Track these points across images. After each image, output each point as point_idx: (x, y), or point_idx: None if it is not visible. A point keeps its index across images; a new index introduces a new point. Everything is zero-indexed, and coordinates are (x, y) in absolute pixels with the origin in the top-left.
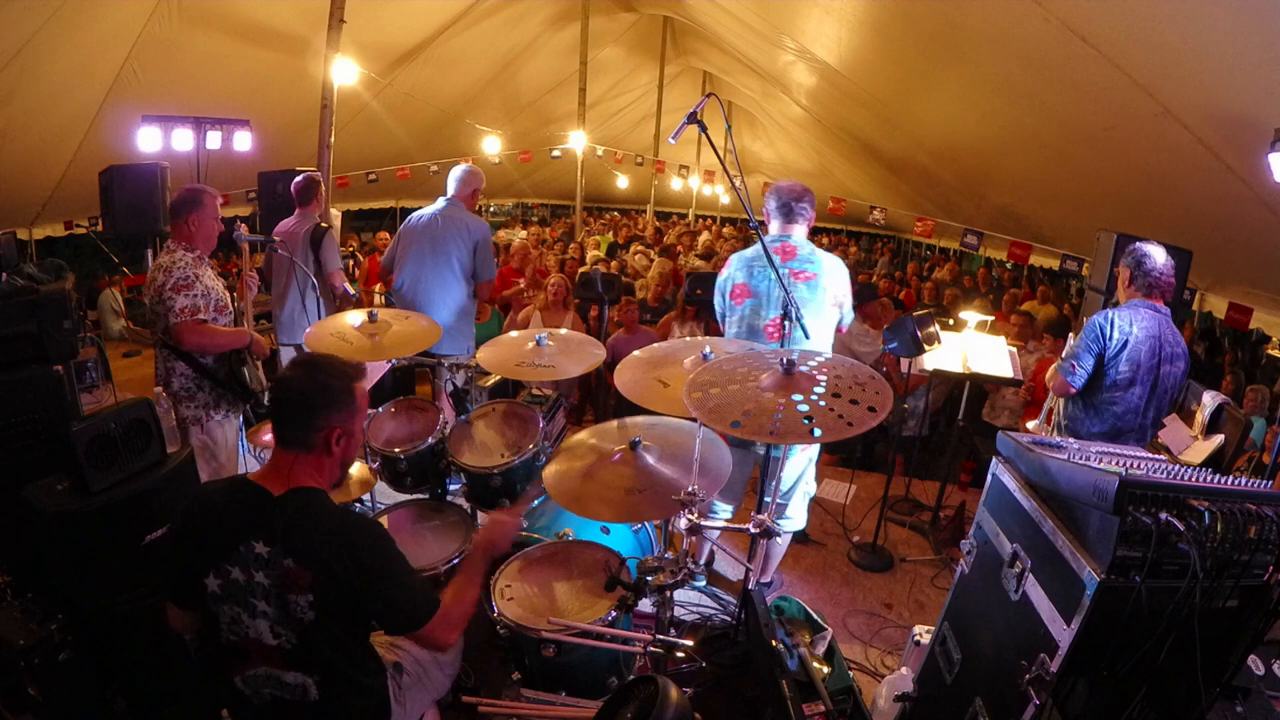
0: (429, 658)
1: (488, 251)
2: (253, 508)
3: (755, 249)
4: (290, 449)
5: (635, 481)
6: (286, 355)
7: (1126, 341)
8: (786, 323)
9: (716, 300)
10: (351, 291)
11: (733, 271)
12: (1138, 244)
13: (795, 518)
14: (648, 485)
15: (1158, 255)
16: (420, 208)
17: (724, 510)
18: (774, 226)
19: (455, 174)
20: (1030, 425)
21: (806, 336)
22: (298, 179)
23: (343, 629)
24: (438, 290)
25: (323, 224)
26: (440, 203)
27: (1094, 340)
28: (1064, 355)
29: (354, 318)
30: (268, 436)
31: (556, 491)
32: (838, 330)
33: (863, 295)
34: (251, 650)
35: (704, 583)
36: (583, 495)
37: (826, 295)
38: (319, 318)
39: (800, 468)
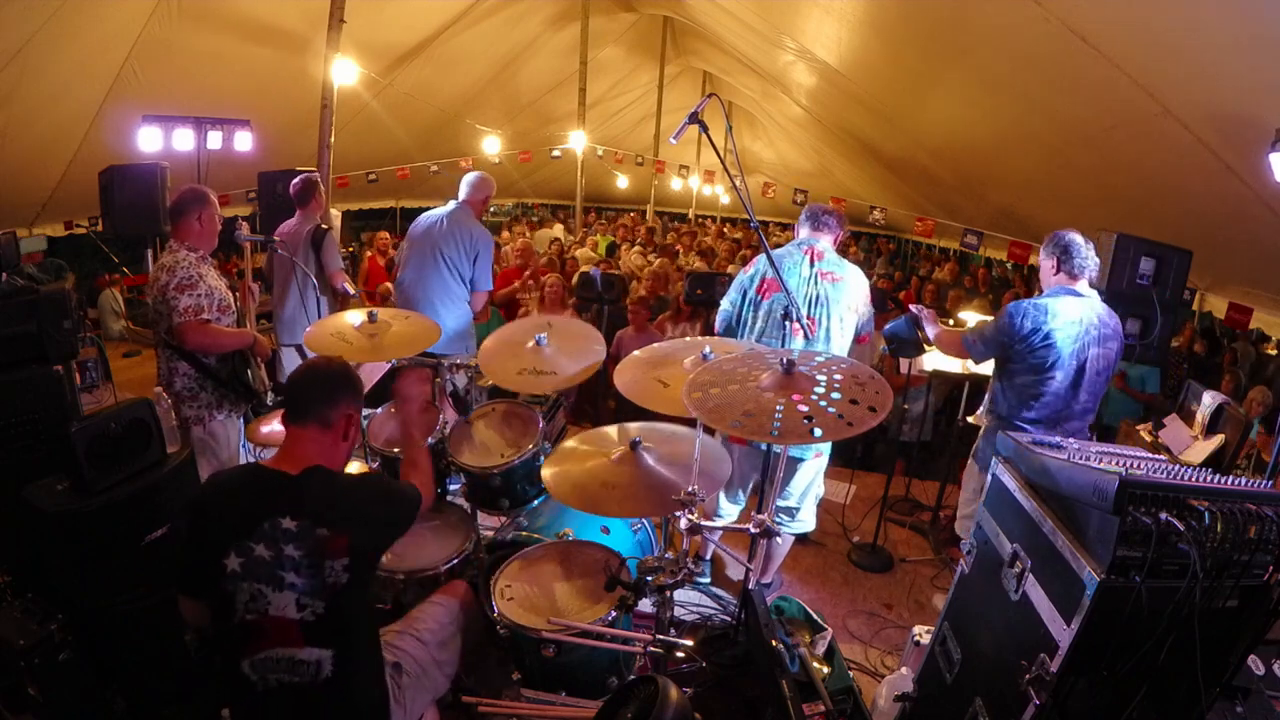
0: (427, 656)
1: (487, 262)
2: (273, 488)
3: (784, 249)
4: (309, 424)
5: (635, 481)
6: (287, 355)
7: (1039, 329)
8: (788, 322)
9: (733, 297)
10: (352, 291)
11: (762, 267)
12: (1057, 232)
13: (806, 520)
14: (647, 485)
15: (1079, 239)
16: (420, 208)
17: (730, 510)
18: (802, 232)
19: (468, 179)
20: (970, 420)
21: (808, 337)
22: (296, 180)
23: (365, 587)
24: (438, 290)
25: (323, 225)
26: (450, 205)
27: (1003, 327)
28: (976, 326)
29: (354, 317)
30: (266, 429)
31: (556, 488)
32: (860, 340)
33: (876, 303)
34: (268, 628)
35: (708, 580)
36: (581, 489)
37: (847, 300)
38: (319, 318)
39: (813, 474)
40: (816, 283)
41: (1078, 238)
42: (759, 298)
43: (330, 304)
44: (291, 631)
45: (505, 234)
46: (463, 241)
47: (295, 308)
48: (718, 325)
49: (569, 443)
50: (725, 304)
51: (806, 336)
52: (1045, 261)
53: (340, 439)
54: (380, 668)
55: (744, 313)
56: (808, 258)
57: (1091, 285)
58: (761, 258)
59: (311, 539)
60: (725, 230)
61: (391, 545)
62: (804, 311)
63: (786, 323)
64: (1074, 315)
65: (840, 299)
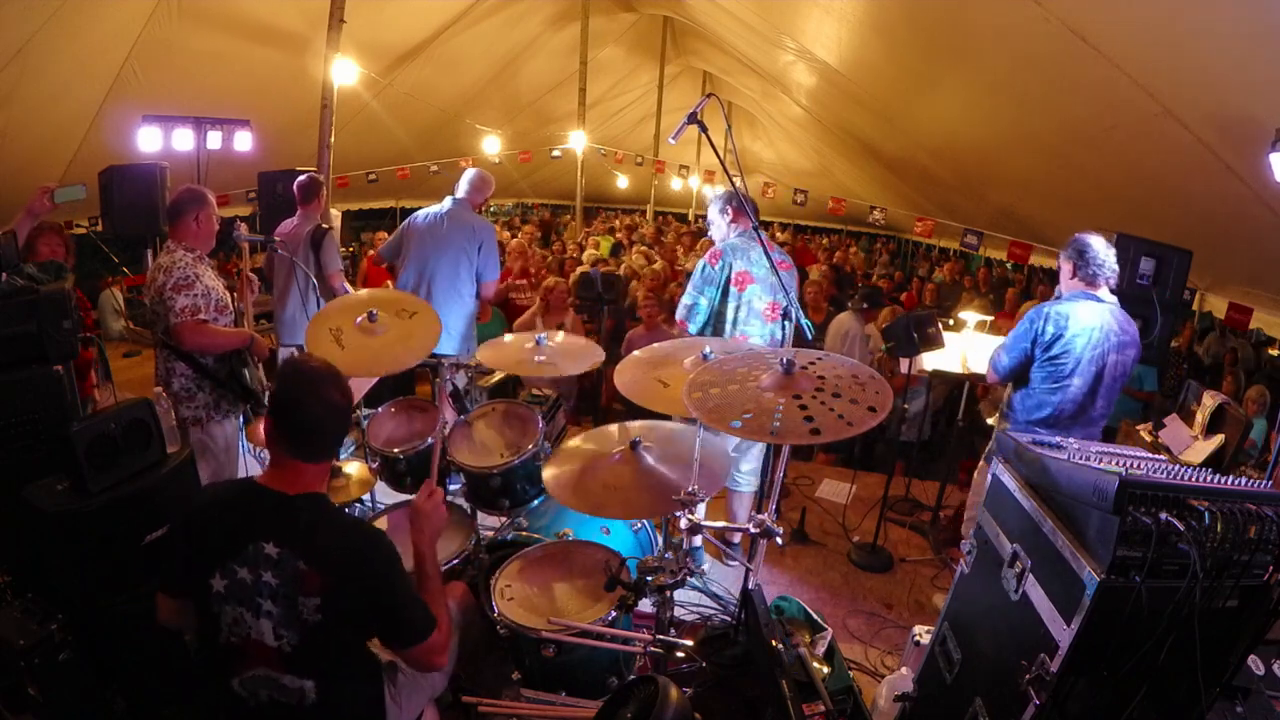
0: None
1: (492, 251)
2: (265, 509)
3: (738, 241)
4: (315, 461)
5: (635, 480)
6: (287, 355)
7: (1061, 335)
8: (786, 322)
9: (710, 293)
10: (351, 292)
11: (731, 260)
12: (1077, 235)
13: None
14: (648, 485)
15: (1098, 244)
16: (421, 207)
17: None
18: (738, 224)
19: (468, 176)
20: (990, 421)
21: (809, 335)
22: (300, 179)
23: (345, 633)
24: (443, 289)
25: (323, 225)
26: (447, 203)
27: (1025, 333)
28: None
29: (351, 313)
30: None
31: (556, 489)
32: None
33: (871, 300)
34: (251, 652)
35: (706, 567)
36: (581, 490)
37: (795, 284)
38: None
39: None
40: (778, 272)
41: (1096, 242)
42: (735, 290)
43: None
44: (272, 657)
45: (505, 234)
46: (466, 236)
47: (296, 308)
48: (691, 324)
49: (569, 443)
50: (701, 300)
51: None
52: (1064, 265)
53: (331, 461)
54: (375, 690)
55: (720, 304)
56: (764, 248)
57: (1112, 291)
58: (726, 251)
59: (289, 570)
60: None
61: (374, 616)
62: (771, 300)
63: (786, 321)
64: (1094, 321)
65: (794, 283)
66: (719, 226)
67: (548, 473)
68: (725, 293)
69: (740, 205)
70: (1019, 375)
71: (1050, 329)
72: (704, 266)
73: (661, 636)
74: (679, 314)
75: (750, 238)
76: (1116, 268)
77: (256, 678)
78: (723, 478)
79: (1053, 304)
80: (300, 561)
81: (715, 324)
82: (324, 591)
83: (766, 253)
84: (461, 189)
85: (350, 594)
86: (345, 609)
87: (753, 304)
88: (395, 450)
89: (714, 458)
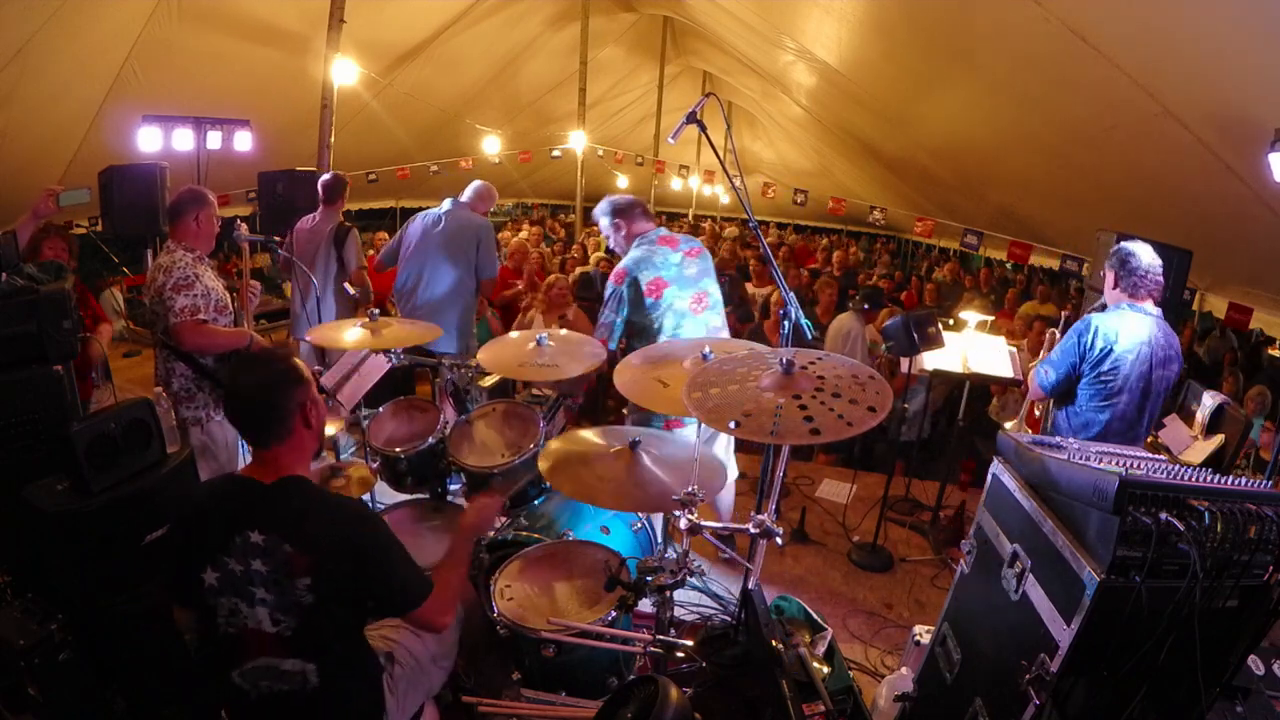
0: (423, 650)
1: (491, 247)
2: (244, 499)
3: (642, 251)
4: (272, 445)
5: (629, 477)
6: (306, 350)
7: (1110, 350)
8: (786, 322)
9: (623, 311)
10: (351, 292)
11: (637, 274)
12: (1122, 243)
13: (732, 469)
14: (641, 483)
15: (1144, 254)
16: (420, 208)
17: None
18: (637, 226)
19: (474, 185)
20: (1008, 425)
21: (808, 335)
22: (325, 177)
23: (341, 612)
24: (445, 288)
25: (346, 223)
26: (446, 204)
27: (1072, 347)
28: (1044, 357)
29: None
30: None
31: (554, 475)
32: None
33: (872, 300)
34: (250, 641)
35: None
36: (577, 478)
37: (712, 264)
38: (332, 314)
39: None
40: (689, 263)
41: (1141, 251)
42: (651, 300)
43: (345, 300)
44: (272, 643)
45: (505, 233)
46: (464, 234)
47: (313, 304)
48: (610, 342)
49: (570, 434)
50: (617, 320)
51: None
52: (1106, 274)
53: (305, 431)
54: (374, 676)
55: (644, 320)
56: (668, 246)
57: (1156, 303)
58: (629, 267)
59: (278, 554)
60: (726, 229)
61: (366, 587)
62: (694, 292)
63: (786, 322)
64: (1141, 335)
65: (709, 266)
66: (616, 243)
67: (544, 462)
68: (641, 305)
69: (630, 213)
70: (1063, 393)
71: (1100, 344)
72: (611, 288)
73: (661, 636)
74: (599, 333)
75: (649, 242)
76: (1161, 279)
77: (256, 668)
78: (719, 484)
79: (1099, 316)
80: (286, 545)
81: (645, 336)
82: (312, 571)
83: (674, 248)
84: (465, 195)
85: (339, 570)
86: (336, 585)
87: (675, 305)
88: (396, 450)
89: (709, 465)
